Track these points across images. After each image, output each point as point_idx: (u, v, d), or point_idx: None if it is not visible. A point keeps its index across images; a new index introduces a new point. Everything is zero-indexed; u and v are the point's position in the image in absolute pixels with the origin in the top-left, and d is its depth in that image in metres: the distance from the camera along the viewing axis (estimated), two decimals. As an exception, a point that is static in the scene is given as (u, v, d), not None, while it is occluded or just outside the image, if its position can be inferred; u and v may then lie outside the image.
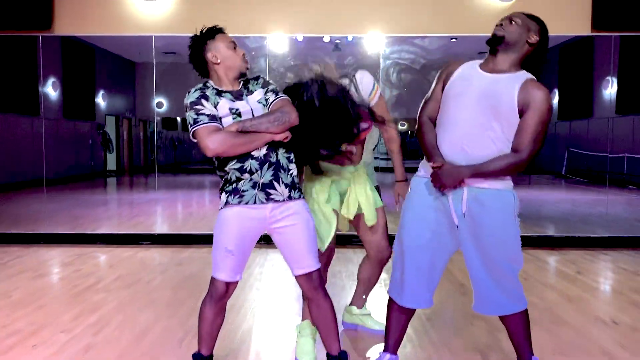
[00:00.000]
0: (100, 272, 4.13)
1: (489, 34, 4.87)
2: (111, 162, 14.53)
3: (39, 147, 11.77)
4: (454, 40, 6.47)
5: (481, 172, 1.94)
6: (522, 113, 1.91)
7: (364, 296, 2.88)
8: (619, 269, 4.41)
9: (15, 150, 10.66)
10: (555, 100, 14.35)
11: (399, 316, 2.17)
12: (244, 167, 1.99)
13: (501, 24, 2.00)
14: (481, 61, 2.05)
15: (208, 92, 2.03)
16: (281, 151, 2.04)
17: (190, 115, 1.97)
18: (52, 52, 10.86)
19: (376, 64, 5.32)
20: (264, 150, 2.00)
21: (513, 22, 1.99)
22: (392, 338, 2.22)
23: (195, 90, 2.03)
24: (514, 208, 2.00)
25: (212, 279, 2.06)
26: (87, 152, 13.73)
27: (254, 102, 2.06)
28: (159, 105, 16.10)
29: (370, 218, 2.51)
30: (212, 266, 2.05)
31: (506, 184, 2.00)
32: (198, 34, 2.07)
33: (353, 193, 2.46)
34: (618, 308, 3.27)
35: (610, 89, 11.48)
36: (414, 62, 9.04)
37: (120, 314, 3.11)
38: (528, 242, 5.17)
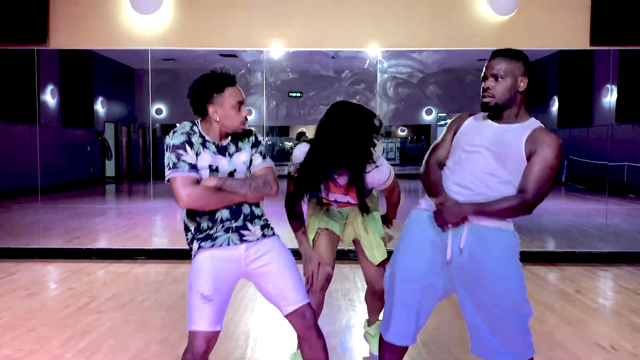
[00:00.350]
0: (93, 291, 4.08)
1: (487, 48, 4.84)
2: (110, 168, 14.50)
3: (37, 155, 11.74)
4: (453, 50, 6.43)
5: (485, 210, 1.87)
6: (530, 159, 1.87)
7: (375, 316, 2.84)
8: (618, 287, 4.36)
9: (13, 158, 10.64)
10: (555, 108, 14.36)
11: (391, 352, 2.09)
12: (216, 217, 1.93)
13: (487, 87, 1.89)
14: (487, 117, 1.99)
15: (194, 139, 1.93)
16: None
17: (170, 157, 1.87)
18: (51, 60, 10.85)
19: (373, 77, 5.29)
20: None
21: (499, 78, 1.88)
22: None
23: (182, 134, 1.92)
24: (515, 249, 1.92)
25: (191, 334, 1.87)
26: (85, 159, 13.71)
27: (238, 163, 1.99)
28: (158, 111, 16.08)
29: (373, 257, 2.51)
30: (188, 319, 1.89)
31: (508, 224, 1.93)
32: (210, 74, 1.94)
33: (350, 226, 2.52)
34: (617, 332, 3.22)
35: (609, 97, 11.46)
36: (411, 75, 9.01)
37: (111, 338, 3.06)
38: (528, 258, 5.13)
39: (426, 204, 2.03)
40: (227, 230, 1.93)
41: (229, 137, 2.01)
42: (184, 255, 5.18)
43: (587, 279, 4.55)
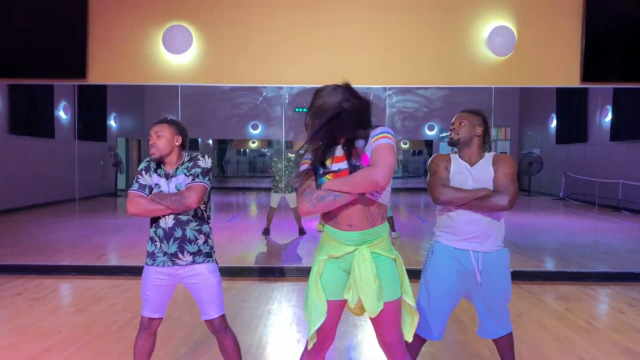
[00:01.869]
0: (134, 307, 4.55)
1: (486, 85, 5.52)
2: (120, 181, 14.99)
3: (54, 169, 12.30)
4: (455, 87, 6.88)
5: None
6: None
7: None
8: (605, 306, 4.82)
9: (32, 172, 11.17)
10: (553, 125, 14.91)
11: (421, 343, 2.78)
12: (156, 232, 2.66)
13: (454, 128, 2.71)
14: (457, 153, 2.75)
15: (151, 165, 2.72)
16: (192, 225, 2.65)
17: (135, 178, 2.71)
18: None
19: (382, 111, 5.79)
20: (170, 224, 2.62)
21: (462, 123, 2.69)
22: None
23: (145, 162, 2.74)
24: (509, 261, 2.73)
25: (141, 316, 2.77)
26: (99, 173, 14.22)
27: (172, 186, 2.67)
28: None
29: (370, 309, 2.15)
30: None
31: (501, 243, 2.69)
32: None
33: (354, 280, 2.17)
34: (599, 348, 3.69)
35: (603, 116, 11.98)
36: (417, 110, 9.55)
37: (161, 351, 3.53)
38: (525, 277, 5.64)
39: (444, 237, 2.70)
40: (164, 255, 2.65)
41: (178, 163, 2.70)
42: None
43: (577, 297, 5.02)
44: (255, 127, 17.37)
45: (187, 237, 2.63)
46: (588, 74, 5.64)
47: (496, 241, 2.67)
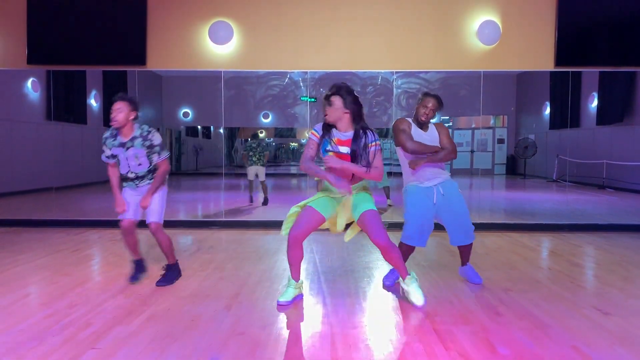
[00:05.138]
0: (198, 243, 5.79)
1: (476, 70, 7.00)
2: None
3: (85, 153, 13.44)
4: (451, 70, 8.05)
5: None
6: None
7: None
8: (567, 243, 6.02)
9: (67, 156, 12.36)
10: (547, 112, 16.03)
11: (407, 250, 3.96)
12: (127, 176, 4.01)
13: (427, 113, 3.87)
14: (411, 120, 3.95)
15: (111, 136, 3.93)
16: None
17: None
18: (95, 70, 12.58)
19: (390, 92, 6.93)
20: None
21: (431, 110, 3.90)
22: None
23: (107, 133, 3.92)
24: (457, 186, 3.98)
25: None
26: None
27: (130, 156, 3.89)
28: (185, 114, 17.86)
29: (339, 229, 3.43)
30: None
31: (449, 175, 3.99)
32: None
33: (340, 215, 3.43)
34: (554, 262, 4.91)
35: (588, 103, 13.13)
36: (419, 90, 10.82)
37: (230, 264, 4.76)
38: (507, 227, 6.84)
39: (415, 182, 3.90)
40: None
41: (132, 135, 3.92)
42: (250, 225, 6.83)
43: (548, 239, 6.22)
44: (266, 116, 18.46)
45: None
46: (560, 59, 6.82)
47: (445, 176, 3.92)
